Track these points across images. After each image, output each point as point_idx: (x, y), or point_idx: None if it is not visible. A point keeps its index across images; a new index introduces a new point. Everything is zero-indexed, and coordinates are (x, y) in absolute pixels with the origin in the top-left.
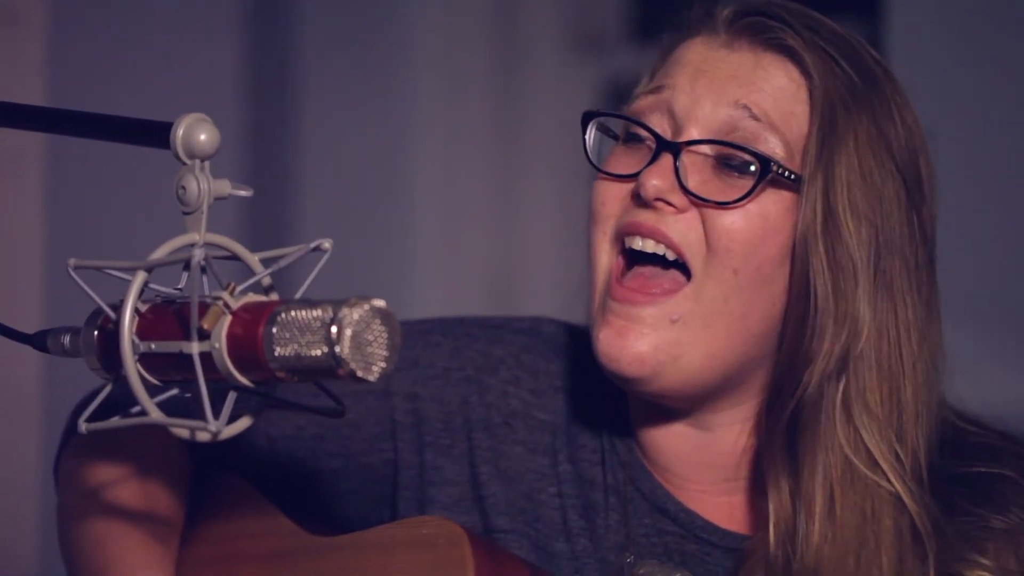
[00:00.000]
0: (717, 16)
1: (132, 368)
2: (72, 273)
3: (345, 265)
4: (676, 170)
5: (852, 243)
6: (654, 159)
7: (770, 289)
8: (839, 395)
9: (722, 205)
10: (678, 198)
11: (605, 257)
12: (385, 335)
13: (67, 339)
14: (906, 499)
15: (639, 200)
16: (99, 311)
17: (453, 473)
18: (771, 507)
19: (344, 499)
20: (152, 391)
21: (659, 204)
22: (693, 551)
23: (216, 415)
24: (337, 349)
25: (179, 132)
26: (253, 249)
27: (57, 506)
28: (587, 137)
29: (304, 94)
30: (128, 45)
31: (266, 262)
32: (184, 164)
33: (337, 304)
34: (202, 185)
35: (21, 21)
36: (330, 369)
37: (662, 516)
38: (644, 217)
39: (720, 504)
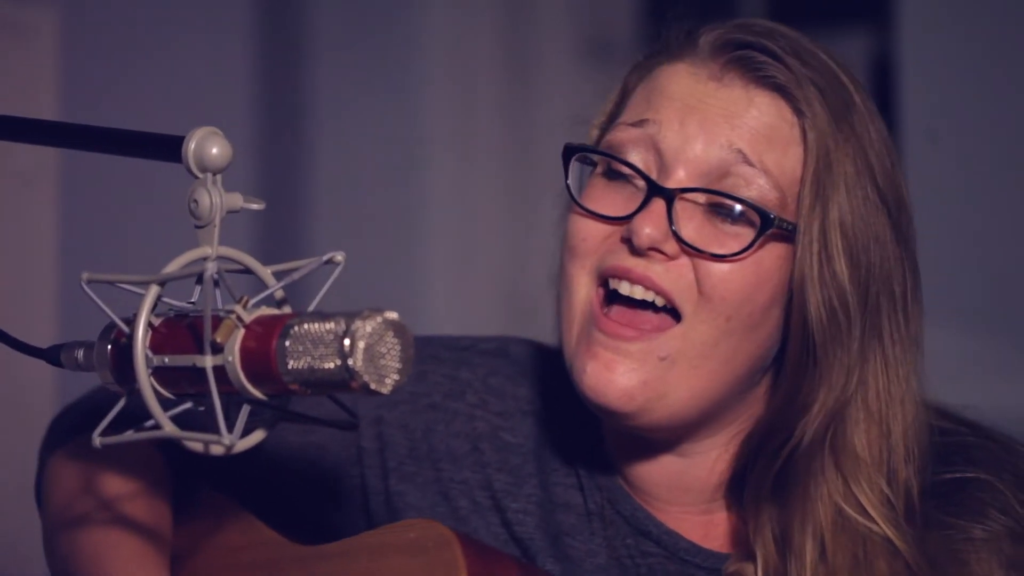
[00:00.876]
0: (700, 43)
1: (146, 382)
2: (85, 287)
3: (358, 277)
4: (669, 217)
5: (847, 288)
6: (645, 204)
7: (759, 333)
8: (827, 444)
9: (720, 258)
10: (671, 246)
11: (584, 290)
12: (398, 347)
13: (80, 353)
14: (898, 544)
15: (629, 246)
16: (112, 325)
17: (416, 499)
18: (758, 553)
19: (320, 523)
20: (166, 405)
21: (651, 252)
22: (676, 572)
23: (230, 428)
24: (350, 362)
25: (191, 146)
26: (266, 262)
27: (42, 517)
28: (569, 172)
29: (315, 105)
30: (139, 57)
31: (279, 275)
32: (196, 178)
33: (350, 317)
34: (214, 199)
35: (32, 35)
36: (343, 382)
37: (644, 538)
38: (633, 264)
39: (700, 523)
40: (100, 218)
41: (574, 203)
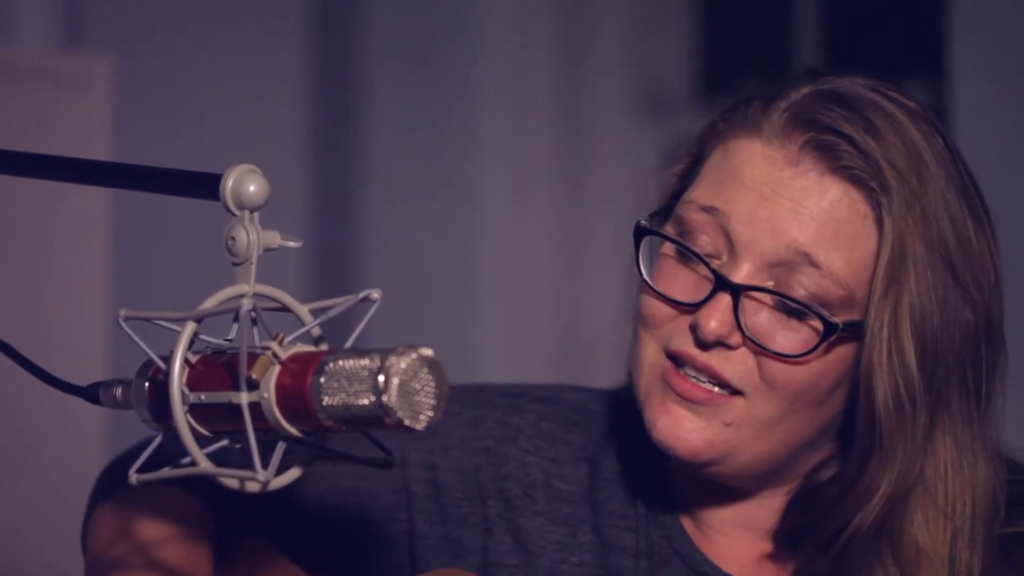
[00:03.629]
0: (775, 118)
1: (182, 419)
2: (123, 324)
3: (409, 322)
4: (735, 310)
5: (915, 375)
6: (712, 295)
7: (825, 408)
8: (884, 532)
9: (783, 357)
10: (735, 338)
11: (653, 355)
12: (433, 384)
13: (119, 391)
14: None
15: (694, 334)
16: (150, 363)
17: (472, 543)
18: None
19: (367, 568)
20: (203, 442)
21: (714, 344)
22: None
23: (266, 466)
24: (384, 398)
25: (228, 183)
26: (316, 298)
27: (84, 560)
28: (639, 252)
29: (368, 150)
30: (193, 106)
31: (315, 313)
32: (234, 215)
33: (384, 353)
34: (251, 236)
35: (86, 85)
36: (378, 418)
37: None
38: (696, 353)
39: (759, 563)
40: (152, 262)
41: (644, 283)
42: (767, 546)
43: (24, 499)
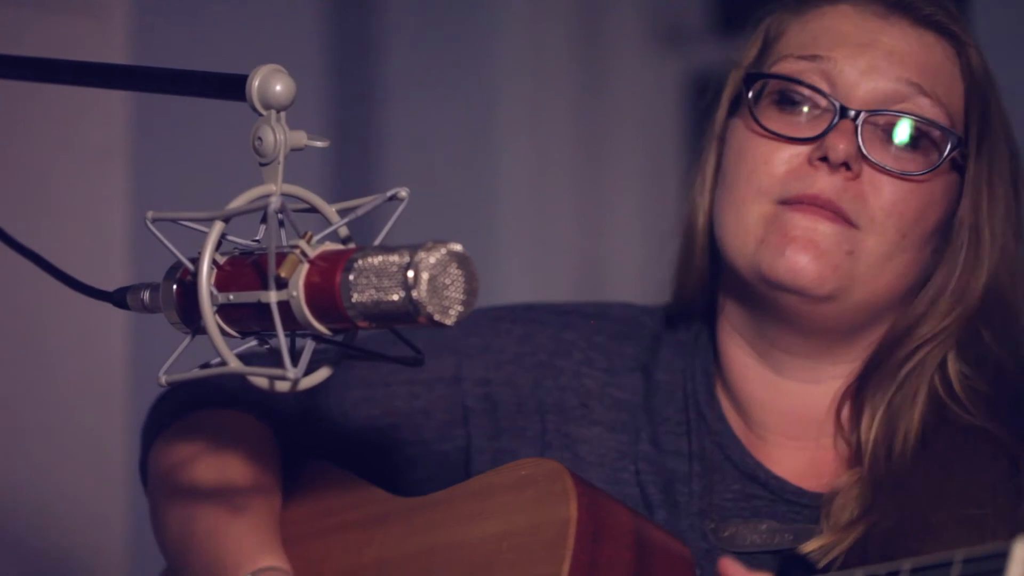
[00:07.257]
0: None
1: (211, 319)
2: (150, 226)
3: (427, 232)
4: (857, 134)
5: (994, 222)
6: (835, 123)
7: (924, 255)
8: (944, 341)
9: (908, 176)
10: (858, 165)
11: (761, 208)
12: (462, 279)
13: (146, 295)
14: (999, 433)
15: (824, 163)
16: (178, 265)
17: (526, 454)
18: (863, 439)
19: (422, 485)
20: (232, 344)
21: (841, 169)
22: (783, 512)
23: (295, 366)
24: (414, 293)
25: (255, 83)
26: (337, 200)
27: (151, 496)
28: (749, 95)
29: (390, 53)
30: (210, 34)
31: (343, 213)
32: (260, 115)
33: (414, 249)
34: (278, 136)
35: (101, 14)
36: (408, 314)
37: (752, 483)
38: (819, 190)
39: (807, 459)
40: (170, 180)
41: (758, 127)
42: (820, 447)
43: (43, 414)
